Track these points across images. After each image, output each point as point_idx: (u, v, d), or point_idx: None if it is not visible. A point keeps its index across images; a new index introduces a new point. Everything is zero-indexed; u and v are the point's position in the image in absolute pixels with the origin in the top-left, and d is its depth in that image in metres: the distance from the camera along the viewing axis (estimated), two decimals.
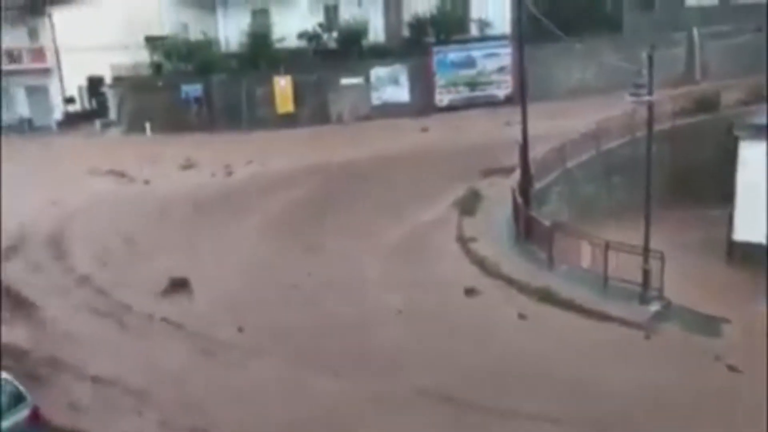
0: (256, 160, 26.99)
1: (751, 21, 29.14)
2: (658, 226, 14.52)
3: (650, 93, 14.23)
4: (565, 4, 29.20)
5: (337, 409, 10.82)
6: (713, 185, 18.46)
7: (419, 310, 13.95)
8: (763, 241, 16.57)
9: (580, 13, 29.85)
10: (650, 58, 14.12)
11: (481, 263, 16.26)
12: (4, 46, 40.28)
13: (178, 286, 15.64)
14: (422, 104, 32.71)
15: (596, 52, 28.44)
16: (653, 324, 13.32)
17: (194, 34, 36.54)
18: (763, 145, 16.80)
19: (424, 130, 28.86)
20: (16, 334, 13.63)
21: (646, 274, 14.16)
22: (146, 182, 25.64)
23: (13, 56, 40.42)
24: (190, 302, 15.15)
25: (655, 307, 13.90)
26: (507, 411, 10.55)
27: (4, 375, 9.86)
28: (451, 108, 32.37)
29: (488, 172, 22.18)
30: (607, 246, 14.54)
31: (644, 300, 14.08)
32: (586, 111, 24.03)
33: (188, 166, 27.17)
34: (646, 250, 14.14)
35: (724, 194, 17.50)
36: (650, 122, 14.78)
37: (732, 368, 11.74)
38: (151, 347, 13.22)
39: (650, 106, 14.56)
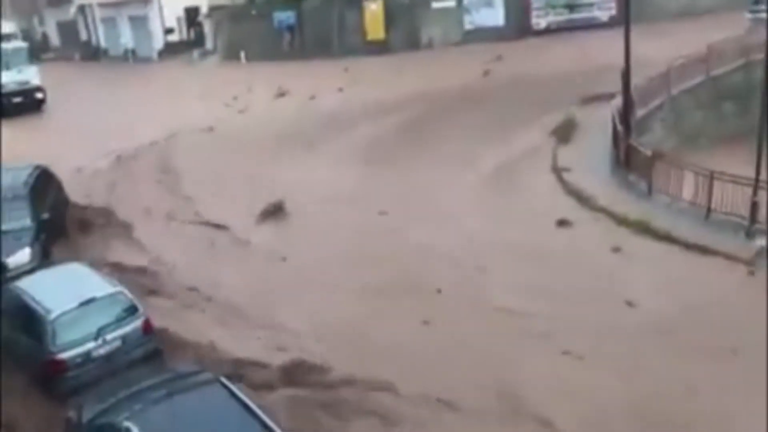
0: (347, 87, 27.08)
1: None
2: None
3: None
4: None
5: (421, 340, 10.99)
6: None
7: (508, 242, 13.81)
8: None
9: None
10: None
11: (576, 194, 15.82)
12: None
13: (275, 211, 16.18)
14: (518, 28, 31.52)
15: None
16: (759, 260, 12.66)
17: None
18: None
19: (519, 55, 27.88)
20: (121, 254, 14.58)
21: (754, 206, 13.35)
22: (241, 111, 26.34)
23: None
24: (285, 226, 15.68)
25: (762, 242, 13.17)
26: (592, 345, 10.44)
27: (119, 288, 10.64)
28: (549, 31, 31.01)
29: (587, 99, 21.30)
30: (712, 176, 13.79)
31: (750, 234, 13.35)
32: (696, 33, 22.43)
33: (281, 93, 27.63)
34: (756, 181, 13.29)
35: None
36: (767, 43, 13.61)
37: None
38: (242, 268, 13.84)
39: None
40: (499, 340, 10.70)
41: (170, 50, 40.71)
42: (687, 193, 14.46)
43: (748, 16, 13.23)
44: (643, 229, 13.86)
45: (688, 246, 13.13)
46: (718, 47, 20.32)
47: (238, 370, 9.96)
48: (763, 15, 13.04)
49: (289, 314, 11.84)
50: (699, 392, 9.30)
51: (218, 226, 15.85)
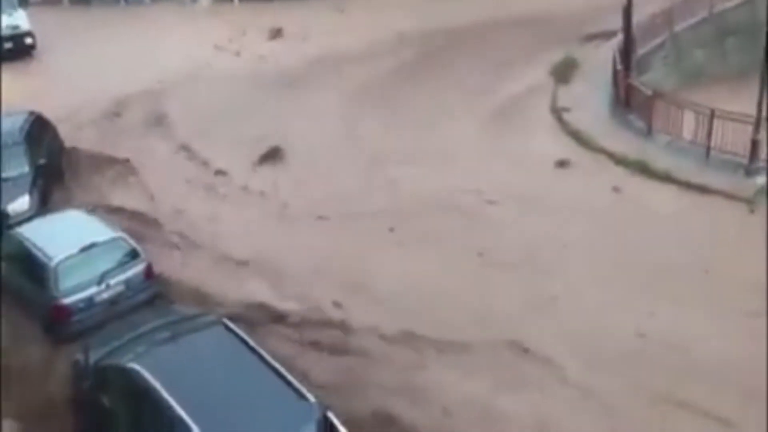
0: (343, 27, 26.47)
1: None
2: None
3: None
4: None
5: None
6: None
7: (508, 183, 13.80)
8: None
9: None
10: None
11: (575, 134, 15.73)
12: None
13: (272, 155, 16.10)
14: None
15: None
16: (759, 197, 12.68)
17: None
18: None
19: None
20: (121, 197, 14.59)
21: (754, 144, 13.30)
22: (235, 53, 25.85)
23: None
24: (282, 170, 15.64)
25: (762, 179, 13.17)
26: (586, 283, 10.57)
27: (120, 234, 10.69)
28: None
29: (588, 37, 20.90)
30: (713, 114, 13.69)
31: (750, 172, 13.34)
32: None
33: (275, 34, 27.08)
34: (758, 119, 13.20)
35: None
36: None
37: None
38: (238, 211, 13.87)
39: None
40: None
41: None
42: (687, 132, 14.39)
43: None
44: (642, 169, 13.86)
45: (688, 185, 13.17)
46: None
47: None
48: None
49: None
50: None
51: (216, 172, 15.79)
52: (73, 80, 23.69)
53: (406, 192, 13.84)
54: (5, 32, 27.62)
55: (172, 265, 11.72)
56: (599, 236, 11.85)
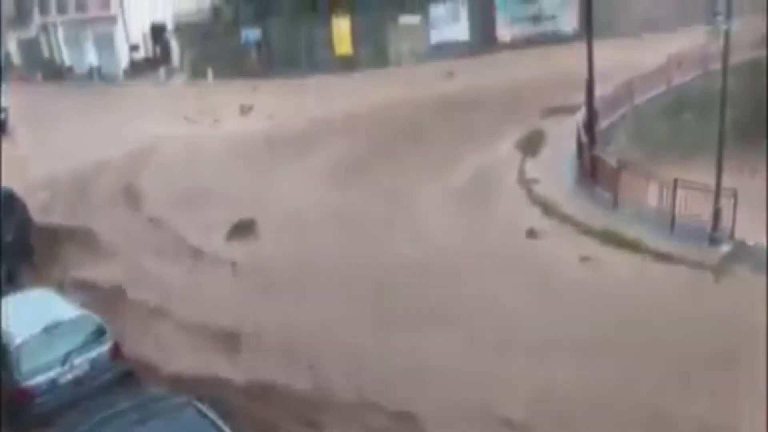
0: (314, 103, 27.09)
1: None
2: (730, 165, 13.94)
3: (728, 22, 13.46)
4: None
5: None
6: None
7: (478, 253, 13.93)
8: None
9: None
10: None
11: (543, 204, 16.04)
12: None
13: (245, 227, 16.08)
14: (483, 41, 31.94)
15: None
16: (723, 265, 12.94)
17: None
18: None
19: (485, 68, 28.23)
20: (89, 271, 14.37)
21: (716, 213, 13.67)
22: (210, 126, 26.19)
23: (81, 5, 41.39)
24: (255, 243, 15.60)
25: (725, 248, 13.48)
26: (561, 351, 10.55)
27: (86, 311, 10.46)
28: (515, 44, 31.47)
29: (552, 111, 21.64)
30: (676, 184, 14.09)
31: (714, 241, 13.66)
32: (656, 45, 22.96)
33: (246, 110, 27.55)
34: (717, 188, 13.62)
35: None
36: (726, 53, 13.99)
37: None
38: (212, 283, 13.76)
39: (727, 36, 13.77)
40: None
41: (136, 68, 40.33)
42: (652, 201, 14.74)
43: (706, 28, 13.66)
44: (609, 238, 14.09)
45: (655, 254, 13.38)
46: (679, 58, 20.83)
47: None
48: (722, 25, 13.35)
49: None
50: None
51: (187, 244, 15.69)
52: (44, 155, 23.69)
53: (378, 262, 13.86)
54: None
55: (140, 342, 11.46)
56: (567, 306, 11.91)
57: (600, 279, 12.77)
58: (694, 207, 13.83)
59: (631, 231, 14.16)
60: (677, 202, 14.06)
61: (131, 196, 19.40)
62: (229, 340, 11.77)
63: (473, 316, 11.74)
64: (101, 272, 14.56)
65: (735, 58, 15.08)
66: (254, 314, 12.46)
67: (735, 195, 13.39)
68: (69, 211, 18.29)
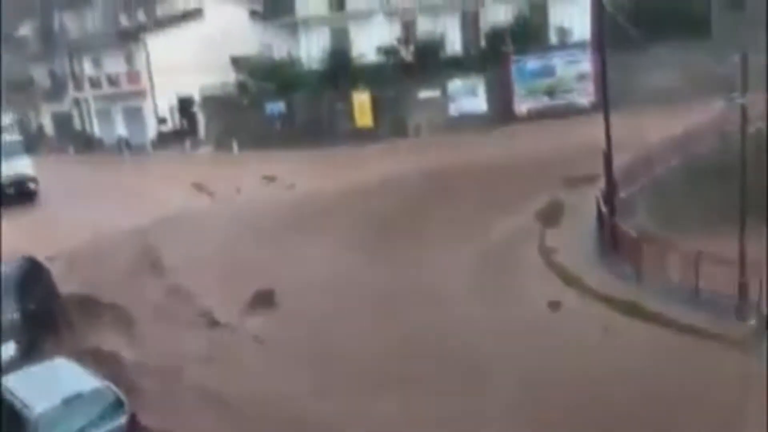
0: (336, 173, 27.52)
1: None
2: (754, 236, 13.84)
3: (744, 96, 13.66)
4: (648, 7, 28.39)
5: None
6: None
7: (501, 324, 13.80)
8: None
9: (665, 16, 28.90)
10: (744, 59, 13.53)
11: (564, 275, 15.94)
12: (106, 71, 43.06)
13: (264, 298, 16.11)
14: (501, 114, 32.52)
15: (683, 55, 27.47)
16: (751, 340, 12.66)
17: (278, 54, 37.80)
18: None
19: (504, 139, 28.63)
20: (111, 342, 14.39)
21: (742, 287, 13.49)
22: (233, 196, 26.63)
23: (113, 80, 43.04)
24: (274, 314, 15.59)
25: (753, 322, 13.22)
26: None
27: (105, 383, 10.46)
28: (531, 117, 31.98)
29: (571, 181, 21.75)
30: (699, 257, 13.96)
31: (741, 314, 13.41)
32: (674, 117, 23.22)
33: (272, 179, 28.04)
34: (741, 261, 13.48)
35: None
36: (744, 126, 14.15)
37: None
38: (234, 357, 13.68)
39: (744, 109, 13.96)
40: None
41: (163, 139, 41.46)
42: (675, 273, 14.59)
43: (722, 102, 13.87)
44: (632, 310, 13.90)
45: (679, 327, 13.14)
46: (696, 129, 20.99)
47: None
48: (738, 100, 13.57)
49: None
50: None
51: (208, 315, 15.73)
52: (71, 224, 24.16)
53: (402, 336, 13.74)
54: (4, 180, 28.50)
55: (159, 413, 11.37)
56: (590, 379, 11.67)
57: (623, 352, 12.53)
58: (719, 279, 13.65)
59: (654, 303, 13.97)
60: (701, 274, 13.90)
61: (153, 266, 19.57)
62: (251, 410, 11.63)
63: (494, 387, 11.53)
64: (121, 342, 14.59)
65: (751, 130, 15.19)
66: (273, 385, 12.35)
67: (761, 267, 13.21)
68: (92, 280, 18.43)
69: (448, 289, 15.83)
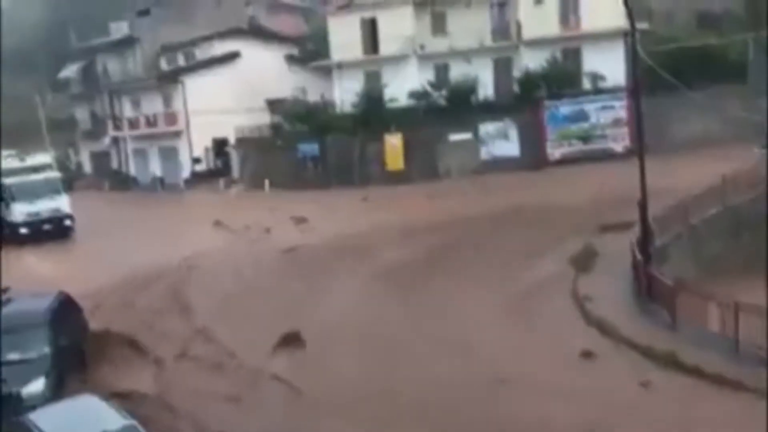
0: (367, 215, 27.58)
1: None
2: None
3: None
4: (682, 54, 28.28)
5: None
6: None
7: (533, 374, 13.44)
8: None
9: (700, 62, 28.75)
10: None
11: (598, 324, 15.55)
12: (144, 112, 44.22)
13: (291, 340, 15.99)
14: (533, 158, 32.42)
15: (718, 102, 27.19)
16: None
17: (312, 97, 38.47)
18: None
19: (535, 185, 28.47)
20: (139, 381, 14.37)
21: None
22: (262, 237, 26.80)
23: (150, 121, 44.16)
24: (301, 356, 15.43)
25: None
26: None
27: (132, 422, 10.40)
28: (565, 162, 31.81)
29: (605, 228, 21.42)
30: (737, 307, 13.53)
31: None
32: (709, 164, 22.85)
33: (303, 220, 28.19)
34: None
35: None
36: None
37: None
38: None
39: None
40: None
41: (197, 179, 42.20)
42: (712, 323, 14.14)
43: (759, 150, 13.69)
44: (670, 361, 13.44)
45: (720, 381, 12.64)
46: (734, 178, 20.60)
47: None
48: None
49: None
50: None
51: (233, 356, 15.64)
52: (105, 261, 24.54)
53: (434, 383, 13.44)
54: (43, 215, 29.23)
55: None
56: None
57: (661, 406, 12.08)
58: (759, 330, 13.18)
59: (693, 354, 13.49)
60: (740, 325, 13.45)
61: (181, 306, 19.66)
62: None
63: None
64: (149, 382, 14.58)
65: None
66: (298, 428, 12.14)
67: None
68: (121, 317, 18.58)
69: (475, 338, 15.50)
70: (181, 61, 46.12)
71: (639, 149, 17.67)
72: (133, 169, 47.20)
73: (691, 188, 20.29)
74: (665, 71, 19.04)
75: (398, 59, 35.93)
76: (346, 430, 12.05)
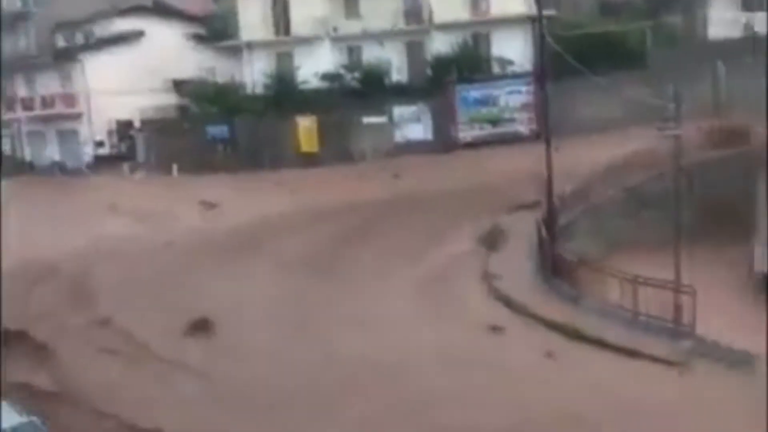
0: (279, 199, 27.14)
1: None
2: (687, 261, 14.19)
3: (678, 126, 14.08)
4: (587, 40, 29.22)
5: None
6: (744, 219, 18.03)
7: (443, 349, 13.63)
8: None
9: (603, 48, 29.80)
10: (676, 91, 14.02)
11: (506, 299, 15.96)
12: (40, 92, 41.64)
13: (200, 327, 15.54)
14: (445, 141, 32.77)
15: (620, 86, 28.27)
16: (686, 361, 12.86)
17: (221, 77, 37.34)
18: None
19: (446, 167, 28.85)
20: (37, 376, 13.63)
21: (677, 309, 13.75)
22: (171, 222, 25.88)
23: (47, 102, 41.61)
24: (210, 342, 15.03)
25: (687, 343, 13.45)
26: None
27: (29, 418, 9.92)
28: (474, 145, 32.35)
29: (513, 208, 21.99)
30: (636, 281, 14.20)
31: (676, 335, 13.64)
32: (612, 146, 23.81)
33: (212, 205, 27.41)
34: (676, 285, 13.76)
35: (755, 227, 17.09)
36: (677, 156, 14.59)
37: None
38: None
39: (678, 140, 14.39)
40: None
41: (100, 163, 40.18)
42: (613, 297, 14.79)
43: (658, 133, 14.36)
44: (573, 334, 13.96)
45: (618, 350, 13.26)
46: (634, 158, 21.54)
47: None
48: (673, 131, 14.01)
49: None
50: None
51: (139, 344, 15.05)
52: None
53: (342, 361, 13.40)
54: None
55: None
56: (532, 404, 11.59)
57: (564, 375, 12.52)
58: (656, 301, 13.89)
59: (594, 326, 14.08)
60: (638, 298, 14.12)
61: (82, 296, 18.72)
62: None
63: (434, 412, 11.29)
64: (47, 376, 13.87)
65: (685, 160, 15.71)
66: (204, 415, 11.80)
67: (694, 293, 13.53)
68: (15, 311, 17.49)
69: (386, 316, 15.60)
70: (79, 39, 43.69)
71: (545, 132, 18.18)
72: (28, 153, 44.45)
73: (594, 169, 21.07)
74: (571, 56, 19.56)
75: (311, 41, 35.41)
76: (245, 409, 11.80)
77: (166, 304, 17.17)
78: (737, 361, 12.90)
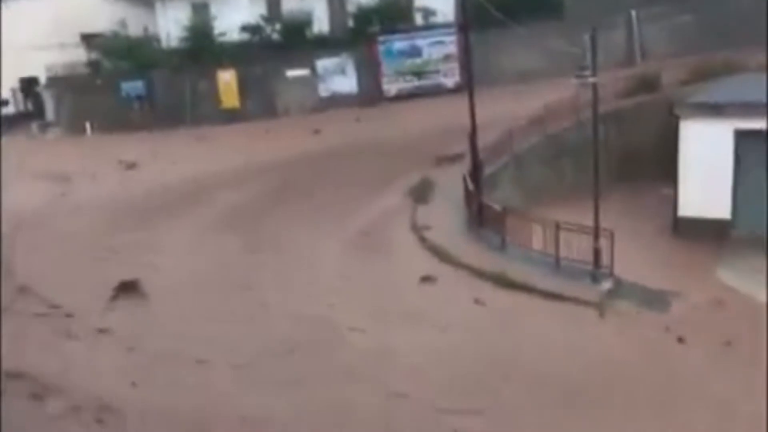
0: (202, 156, 26.44)
1: (689, 1, 29.97)
2: (607, 206, 14.82)
3: (594, 75, 14.45)
4: None
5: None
6: (659, 163, 18.88)
7: (375, 301, 13.83)
8: (706, 216, 17.14)
9: None
10: (592, 41, 14.34)
11: (436, 250, 16.27)
12: None
13: (129, 289, 15.13)
14: (370, 94, 32.54)
15: (540, 37, 28.69)
16: (606, 302, 13.55)
17: (133, 31, 35.57)
18: (702, 123, 17.35)
19: (373, 120, 28.75)
20: None
21: (596, 253, 14.40)
22: (88, 183, 24.83)
23: None
24: (141, 305, 14.67)
25: (606, 285, 14.15)
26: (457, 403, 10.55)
27: None
28: (400, 97, 32.30)
29: (439, 160, 22.22)
30: (558, 227, 14.73)
31: (596, 279, 14.32)
32: (533, 96, 24.26)
33: (131, 165, 26.43)
34: (596, 230, 14.36)
35: (670, 172, 17.94)
36: (595, 104, 15.03)
37: (681, 340, 12.15)
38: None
39: (594, 88, 14.79)
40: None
41: (6, 123, 37.86)
42: (537, 243, 15.32)
43: (575, 81, 14.70)
44: (500, 280, 14.43)
45: (543, 294, 13.84)
46: (553, 108, 22.07)
47: None
48: (589, 79, 14.38)
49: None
50: None
51: (64, 312, 14.51)
52: None
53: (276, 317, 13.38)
54: None
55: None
56: (463, 347, 12.01)
57: (492, 318, 13.00)
58: (577, 246, 14.49)
59: (520, 272, 14.59)
60: (560, 244, 14.68)
61: None
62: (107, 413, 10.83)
63: (371, 367, 11.51)
64: None
65: (602, 108, 16.22)
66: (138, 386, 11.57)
67: (612, 236, 14.18)
68: None
69: (321, 268, 15.63)
70: None
71: (468, 84, 18.29)
72: None
73: (516, 119, 21.47)
74: (492, 7, 19.65)
75: None
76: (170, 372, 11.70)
77: (88, 268, 16.58)
78: (654, 300, 13.72)
